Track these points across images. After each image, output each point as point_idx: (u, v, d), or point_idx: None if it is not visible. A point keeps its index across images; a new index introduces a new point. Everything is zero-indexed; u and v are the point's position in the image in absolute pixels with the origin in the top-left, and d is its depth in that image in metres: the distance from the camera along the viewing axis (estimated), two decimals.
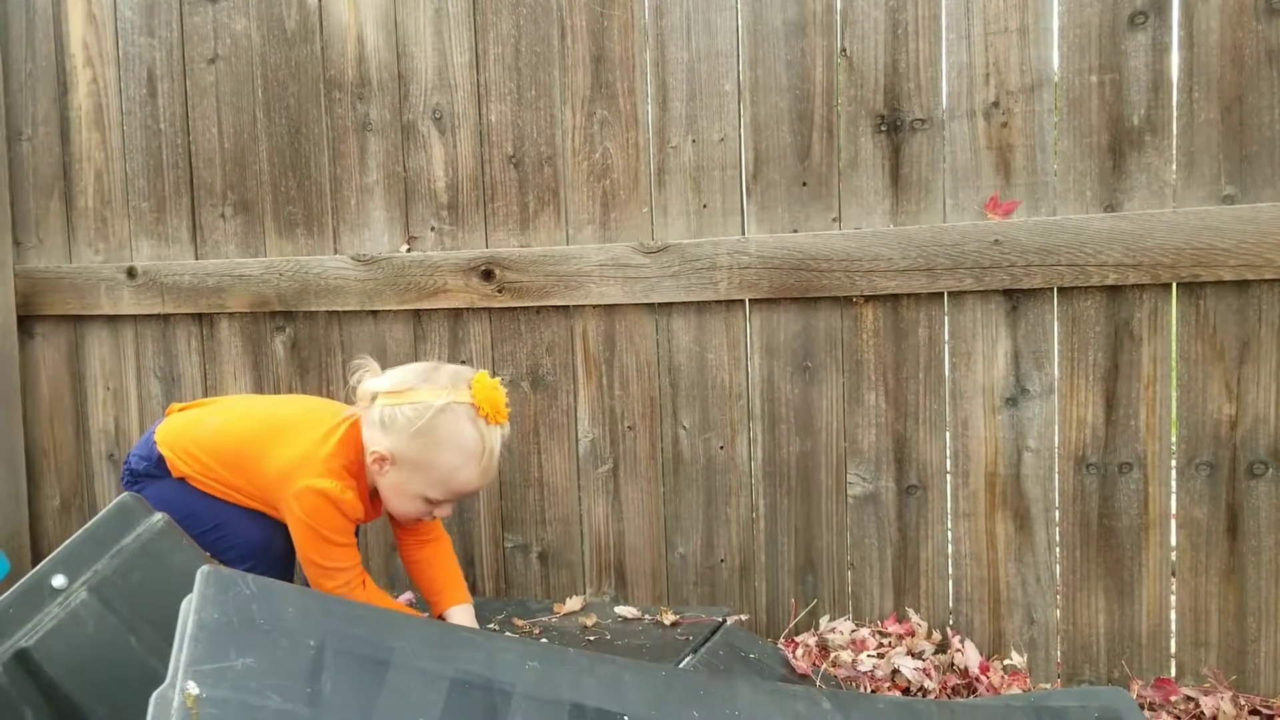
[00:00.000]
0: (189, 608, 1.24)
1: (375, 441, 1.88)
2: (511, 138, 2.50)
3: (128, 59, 2.84)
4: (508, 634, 2.29)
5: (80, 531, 1.59)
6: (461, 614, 2.10)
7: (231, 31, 2.71)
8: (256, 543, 1.97)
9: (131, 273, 2.81)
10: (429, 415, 1.82)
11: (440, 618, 2.09)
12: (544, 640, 2.27)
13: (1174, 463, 2.10)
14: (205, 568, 1.27)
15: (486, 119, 2.52)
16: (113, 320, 2.89)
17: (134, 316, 2.85)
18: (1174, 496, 2.10)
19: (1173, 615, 2.12)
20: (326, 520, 1.87)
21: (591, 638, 2.27)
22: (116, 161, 2.87)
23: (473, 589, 2.59)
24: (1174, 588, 2.12)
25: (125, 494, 1.64)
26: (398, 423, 1.84)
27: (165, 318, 2.82)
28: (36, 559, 2.97)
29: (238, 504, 1.99)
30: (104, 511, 1.62)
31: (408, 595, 2.60)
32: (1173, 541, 2.11)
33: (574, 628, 2.33)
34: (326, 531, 1.88)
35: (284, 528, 1.96)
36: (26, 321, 2.97)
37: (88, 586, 1.54)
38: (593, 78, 2.42)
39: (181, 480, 2.01)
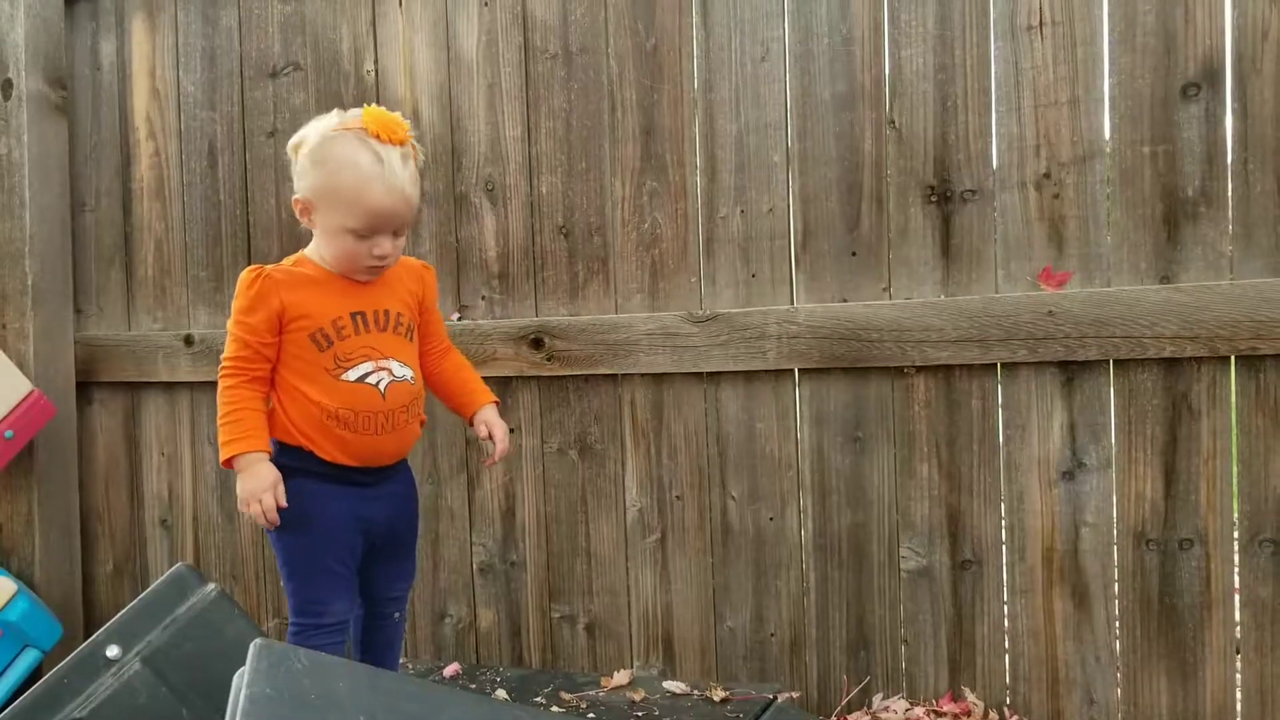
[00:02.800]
0: (241, 681, 1.25)
1: (295, 194, 1.91)
2: (562, 208, 2.53)
3: (189, 132, 2.91)
4: (555, 709, 2.26)
5: (135, 601, 1.61)
6: (491, 411, 2.06)
7: (291, 106, 2.78)
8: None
9: (189, 340, 2.86)
10: (320, 143, 1.85)
11: (471, 419, 2.07)
12: (591, 716, 2.24)
13: (1236, 539, 2.05)
14: (258, 641, 1.28)
15: (537, 190, 2.55)
16: (169, 387, 2.93)
17: (190, 384, 2.89)
18: (1237, 573, 2.05)
19: (1238, 696, 2.06)
20: (235, 296, 1.89)
21: (640, 713, 2.24)
22: (176, 232, 2.93)
23: (519, 660, 2.58)
24: (1239, 668, 2.06)
25: (179, 564, 1.65)
26: (301, 163, 1.88)
27: None
28: (89, 624, 2.99)
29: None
30: (158, 582, 1.64)
31: (454, 666, 2.58)
32: (1237, 619, 2.05)
33: (622, 702, 2.30)
34: (234, 312, 1.88)
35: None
36: (85, 388, 3.03)
37: (141, 657, 1.56)
38: (642, 150, 2.45)
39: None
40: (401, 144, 1.86)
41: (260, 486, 1.82)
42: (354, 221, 1.84)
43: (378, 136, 1.84)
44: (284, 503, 1.83)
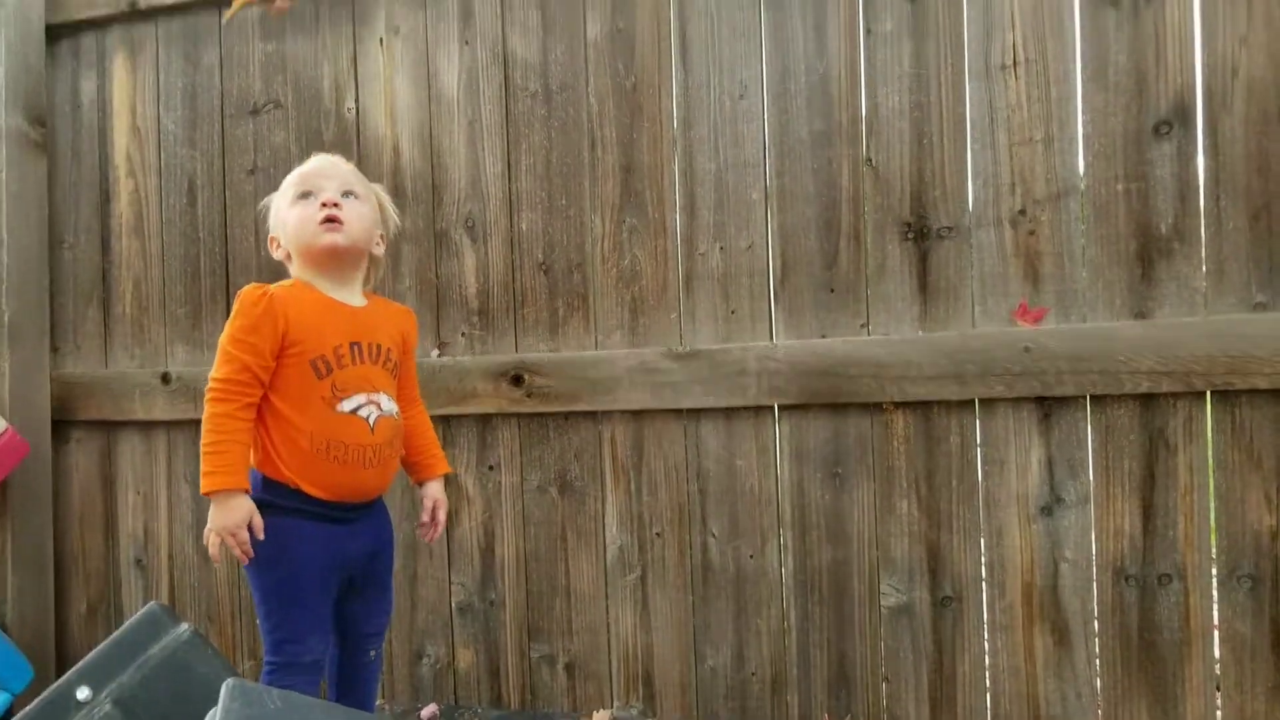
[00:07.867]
0: None
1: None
2: (542, 245, 2.54)
3: (169, 169, 2.91)
4: None
5: (106, 641, 1.58)
6: (440, 486, 2.12)
7: (271, 144, 2.79)
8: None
9: (166, 378, 2.84)
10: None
11: (422, 486, 2.12)
12: None
13: (1215, 574, 2.05)
14: (230, 680, 1.26)
15: (518, 227, 2.56)
16: (146, 425, 2.91)
17: (167, 422, 2.87)
18: (1216, 609, 2.05)
19: None
20: (235, 313, 1.88)
21: None
22: (155, 269, 2.92)
23: (498, 700, 2.56)
24: (1219, 704, 2.05)
25: (153, 603, 1.63)
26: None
27: (197, 423, 2.81)
28: (61, 665, 2.95)
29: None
30: (131, 621, 1.61)
31: (431, 708, 2.55)
32: (1216, 655, 2.05)
33: None
34: (233, 330, 1.86)
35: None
36: (61, 426, 3.00)
37: (112, 699, 1.53)
38: (622, 187, 2.46)
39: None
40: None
41: (235, 520, 1.78)
42: (294, 190, 1.95)
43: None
44: (260, 536, 1.81)
